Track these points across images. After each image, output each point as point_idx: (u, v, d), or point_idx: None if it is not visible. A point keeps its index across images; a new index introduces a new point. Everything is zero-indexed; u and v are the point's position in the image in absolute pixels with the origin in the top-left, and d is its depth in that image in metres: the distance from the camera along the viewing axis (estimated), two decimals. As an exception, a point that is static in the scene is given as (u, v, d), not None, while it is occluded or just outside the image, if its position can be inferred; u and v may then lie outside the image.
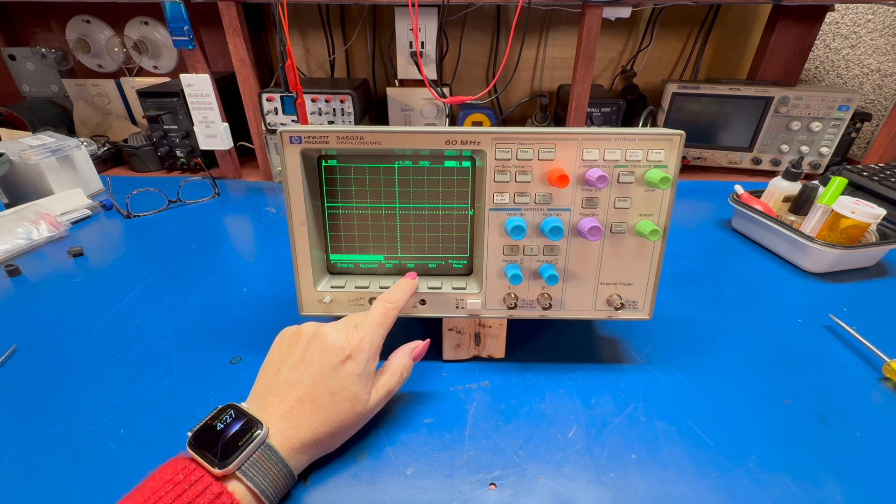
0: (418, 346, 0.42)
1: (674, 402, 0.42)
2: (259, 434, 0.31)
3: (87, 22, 1.08)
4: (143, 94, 0.93)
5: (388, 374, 0.38)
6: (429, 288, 0.44)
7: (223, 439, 0.31)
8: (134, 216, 0.79)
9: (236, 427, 0.31)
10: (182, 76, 0.86)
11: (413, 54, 0.92)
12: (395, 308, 0.40)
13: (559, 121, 1.06)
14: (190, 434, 0.31)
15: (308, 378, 0.34)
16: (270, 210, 0.84)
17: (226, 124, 0.92)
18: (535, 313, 0.45)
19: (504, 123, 1.15)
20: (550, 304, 0.43)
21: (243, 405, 0.34)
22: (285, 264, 0.65)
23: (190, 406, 0.41)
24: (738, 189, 0.75)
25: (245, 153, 1.04)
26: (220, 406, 0.33)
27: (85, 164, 0.88)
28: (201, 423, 0.32)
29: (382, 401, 0.38)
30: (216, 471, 0.29)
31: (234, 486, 0.29)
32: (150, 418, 0.40)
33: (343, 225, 0.44)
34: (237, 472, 0.30)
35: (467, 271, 0.46)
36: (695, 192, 0.92)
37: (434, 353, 0.47)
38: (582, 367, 0.46)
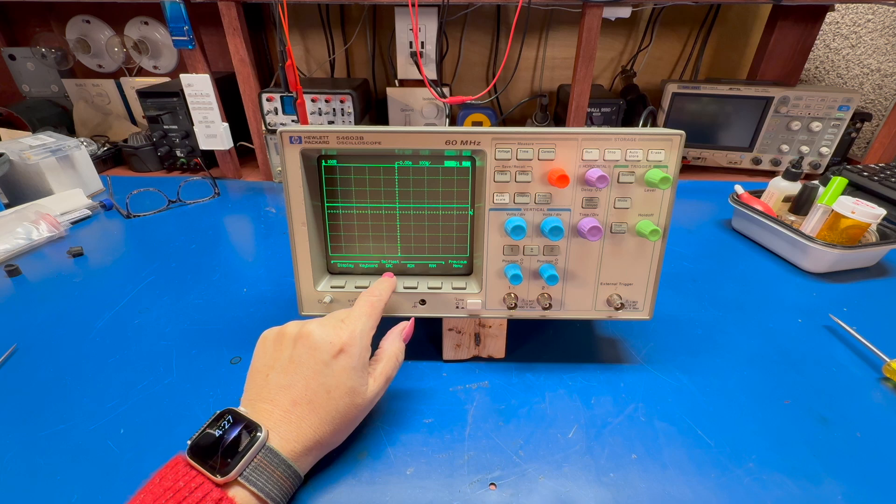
0: (405, 326, 0.41)
1: (674, 402, 0.42)
2: (259, 438, 0.31)
3: (87, 22, 1.08)
4: (143, 94, 0.93)
5: (384, 362, 0.38)
6: (429, 288, 0.44)
7: (223, 446, 0.30)
8: (134, 216, 0.79)
9: (235, 432, 0.31)
10: (182, 76, 0.86)
11: (413, 54, 0.92)
12: (380, 301, 0.40)
13: (559, 121, 1.06)
14: (189, 442, 0.31)
15: (300, 379, 0.34)
16: (270, 210, 0.83)
17: (226, 124, 0.91)
18: (535, 313, 0.45)
19: (504, 123, 1.15)
20: (550, 304, 0.43)
21: (240, 409, 0.33)
22: (285, 264, 0.65)
23: (190, 406, 0.41)
24: (738, 189, 0.75)
25: (245, 153, 1.04)
26: (218, 411, 0.33)
27: (85, 164, 0.88)
28: (200, 431, 0.31)
29: (383, 389, 0.37)
30: (218, 478, 0.29)
31: (234, 492, 0.29)
32: (150, 418, 0.40)
33: (343, 225, 0.44)
34: (239, 479, 0.29)
35: (467, 271, 0.46)
36: (695, 192, 0.92)
37: (434, 353, 0.47)
38: (582, 367, 0.46)
